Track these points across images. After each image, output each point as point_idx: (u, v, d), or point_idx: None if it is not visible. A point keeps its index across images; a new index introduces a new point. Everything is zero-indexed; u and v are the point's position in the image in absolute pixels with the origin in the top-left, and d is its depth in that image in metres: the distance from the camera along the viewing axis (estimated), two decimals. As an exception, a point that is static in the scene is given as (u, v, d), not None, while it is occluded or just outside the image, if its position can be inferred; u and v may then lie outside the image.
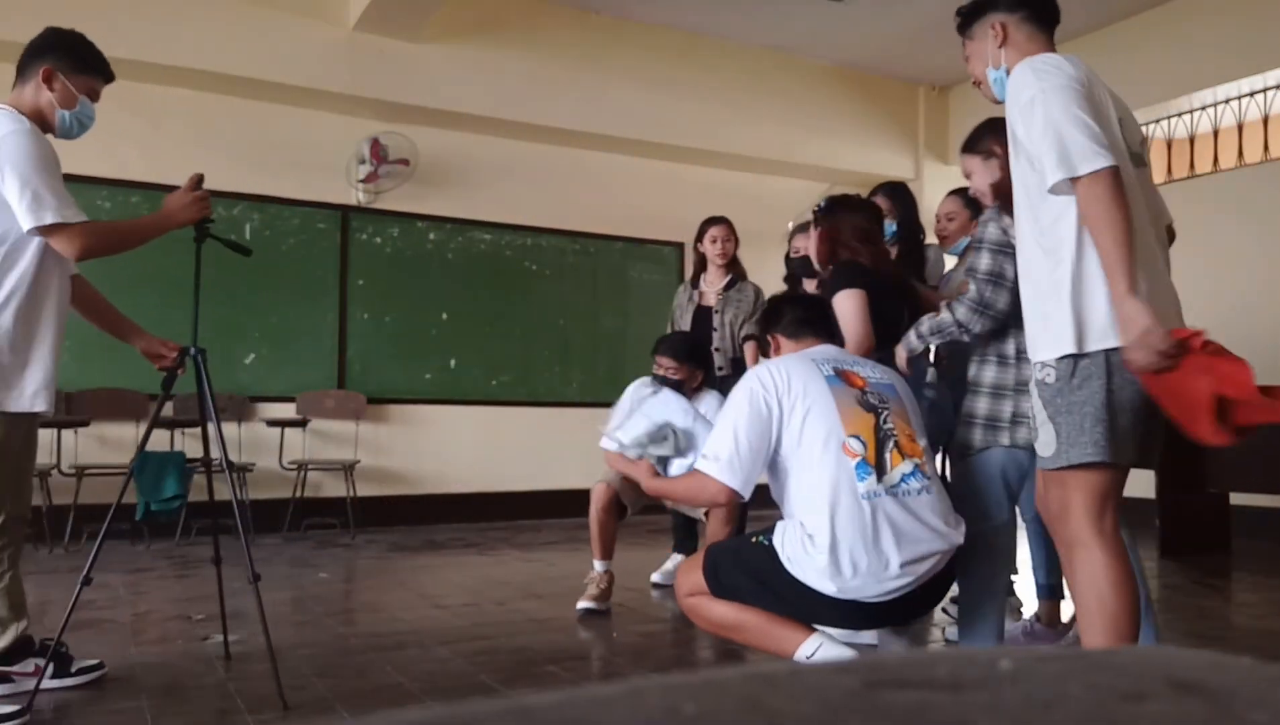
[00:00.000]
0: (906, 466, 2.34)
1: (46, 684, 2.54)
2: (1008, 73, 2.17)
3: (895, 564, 2.23)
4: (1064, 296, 2.02)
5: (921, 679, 0.31)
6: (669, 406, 3.39)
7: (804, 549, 2.27)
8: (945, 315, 2.64)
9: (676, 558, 4.27)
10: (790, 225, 4.13)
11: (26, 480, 2.62)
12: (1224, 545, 5.39)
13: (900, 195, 3.65)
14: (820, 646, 2.32)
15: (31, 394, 2.46)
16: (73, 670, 2.61)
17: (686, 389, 3.70)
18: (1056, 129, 1.95)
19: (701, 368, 3.82)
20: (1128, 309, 1.89)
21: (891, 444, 2.35)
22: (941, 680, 0.31)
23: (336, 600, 4.00)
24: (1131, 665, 0.33)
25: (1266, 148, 6.19)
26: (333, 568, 4.74)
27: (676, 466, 3.27)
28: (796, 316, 2.68)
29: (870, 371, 2.52)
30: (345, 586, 4.35)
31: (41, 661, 2.51)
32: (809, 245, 3.63)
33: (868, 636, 2.88)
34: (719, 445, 2.42)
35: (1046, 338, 2.07)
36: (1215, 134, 6.49)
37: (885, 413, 2.40)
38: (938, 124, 8.20)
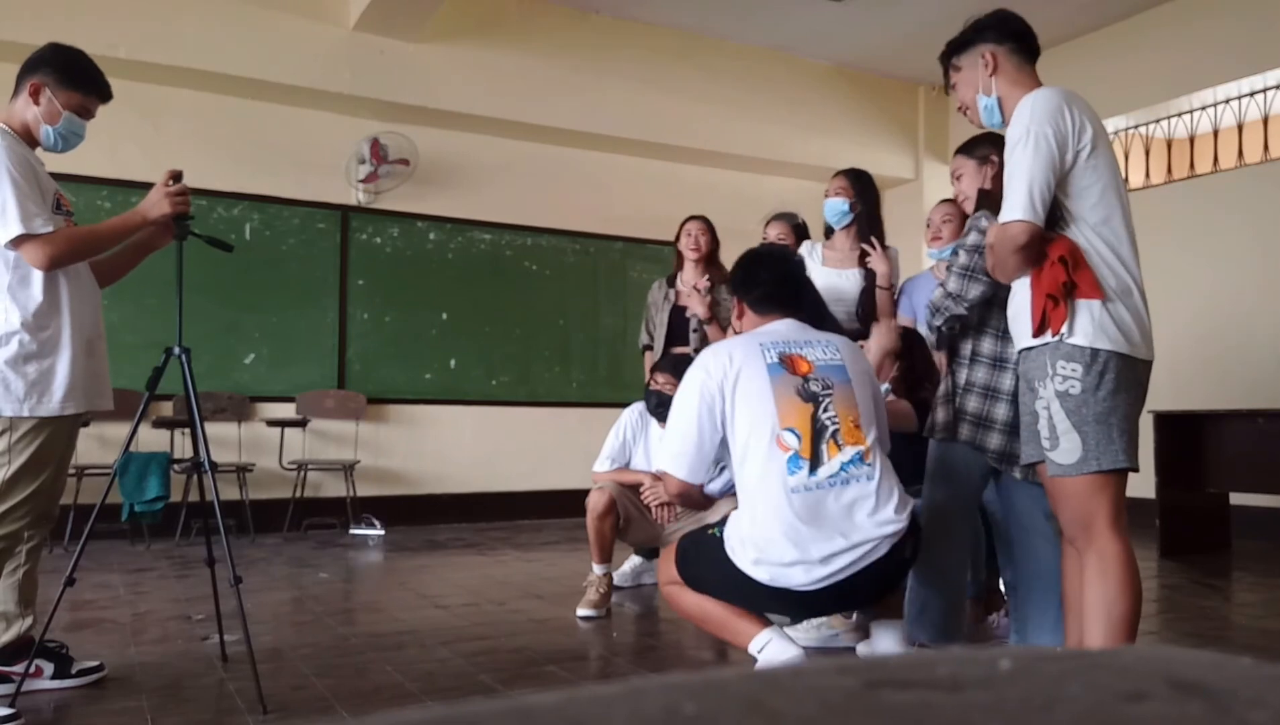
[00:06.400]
0: (846, 454, 2.34)
1: (47, 684, 2.55)
2: (999, 101, 2.31)
3: (818, 555, 2.26)
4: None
5: (922, 679, 0.31)
6: None
7: (740, 540, 2.35)
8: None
9: (635, 560, 4.25)
10: (768, 216, 4.11)
11: (61, 480, 2.65)
12: (1224, 545, 5.39)
13: (862, 181, 3.62)
14: (770, 641, 2.37)
15: (61, 399, 2.49)
16: (73, 671, 2.62)
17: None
18: (1016, 177, 2.12)
19: None
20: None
21: (829, 435, 2.35)
22: (942, 680, 0.31)
23: (336, 600, 4.00)
24: (1131, 665, 0.33)
25: (1266, 148, 6.19)
26: (333, 568, 4.74)
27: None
28: (767, 292, 2.61)
29: (821, 352, 2.47)
30: (345, 586, 4.35)
31: (40, 662, 2.52)
32: (783, 235, 3.68)
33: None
34: (670, 438, 2.48)
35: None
36: (1215, 134, 6.48)
37: (826, 400, 2.38)
38: (938, 124, 8.20)
